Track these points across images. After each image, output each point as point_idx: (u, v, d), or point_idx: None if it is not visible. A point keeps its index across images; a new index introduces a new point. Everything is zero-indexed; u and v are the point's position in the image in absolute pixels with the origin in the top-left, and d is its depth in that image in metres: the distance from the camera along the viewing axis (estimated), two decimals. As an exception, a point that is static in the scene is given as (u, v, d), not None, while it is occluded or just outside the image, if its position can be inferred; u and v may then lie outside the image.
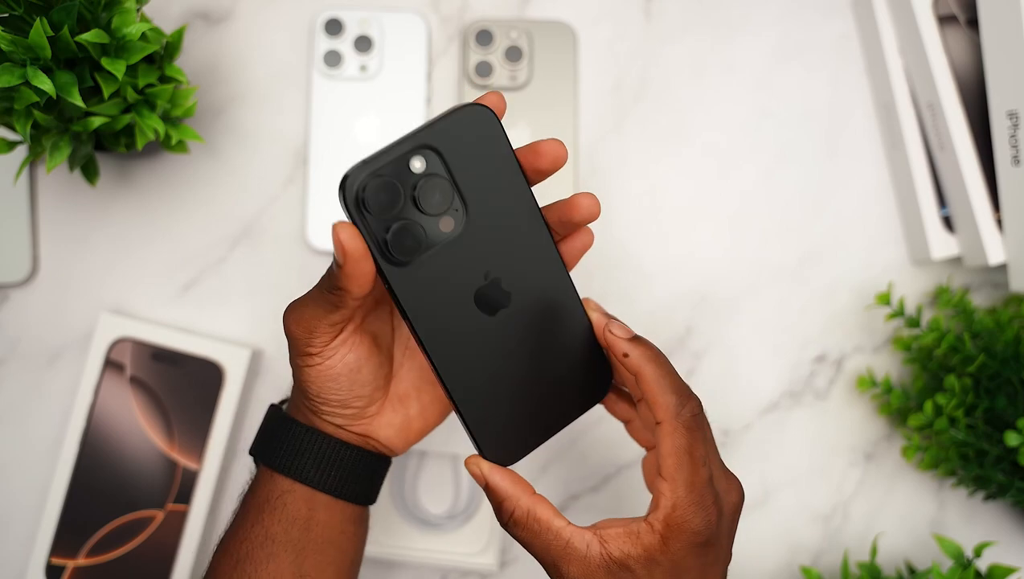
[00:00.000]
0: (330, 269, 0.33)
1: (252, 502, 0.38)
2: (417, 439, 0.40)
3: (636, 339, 0.35)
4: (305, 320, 0.35)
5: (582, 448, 0.55)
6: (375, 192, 0.30)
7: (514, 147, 0.32)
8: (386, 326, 0.39)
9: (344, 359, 0.36)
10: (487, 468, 0.36)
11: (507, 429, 0.36)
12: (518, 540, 0.36)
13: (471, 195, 0.32)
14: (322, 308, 0.34)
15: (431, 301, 0.33)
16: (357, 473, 0.39)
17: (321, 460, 0.38)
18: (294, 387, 0.39)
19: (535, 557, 0.35)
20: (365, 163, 0.30)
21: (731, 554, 0.37)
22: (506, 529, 0.36)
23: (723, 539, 0.35)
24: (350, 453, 0.38)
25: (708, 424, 0.35)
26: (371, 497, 0.40)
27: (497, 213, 0.32)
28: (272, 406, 0.41)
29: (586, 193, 0.34)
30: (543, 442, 0.37)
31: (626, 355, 0.35)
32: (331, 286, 0.33)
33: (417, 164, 0.31)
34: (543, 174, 0.33)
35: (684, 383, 0.35)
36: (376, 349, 0.38)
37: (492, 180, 0.32)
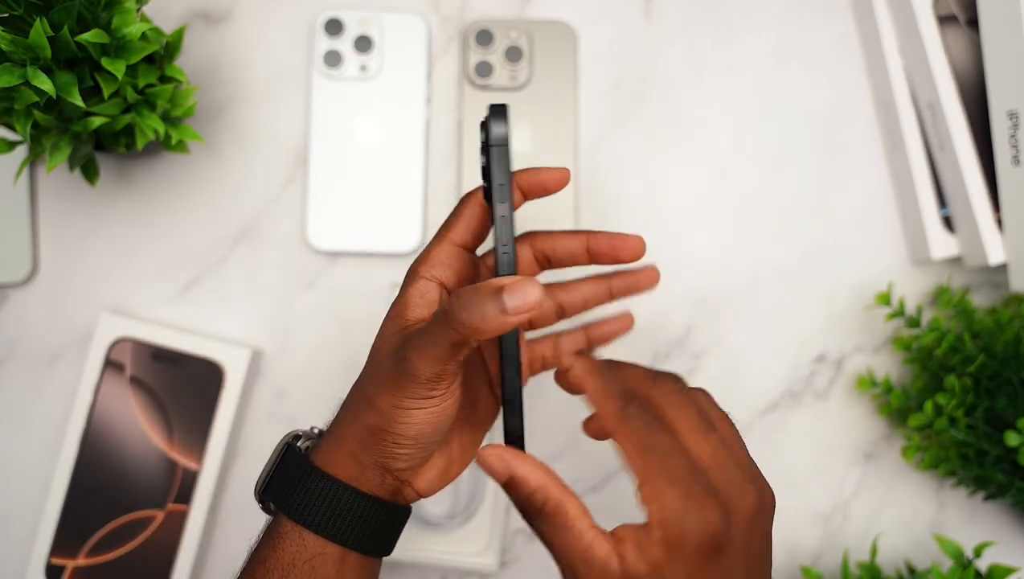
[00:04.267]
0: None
1: (274, 561, 0.34)
2: (451, 481, 0.38)
3: (582, 354, 0.35)
4: (437, 358, 0.31)
5: (583, 447, 0.55)
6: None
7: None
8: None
9: (457, 399, 0.34)
10: (511, 457, 0.32)
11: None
12: (540, 534, 0.32)
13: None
14: (452, 342, 0.31)
15: None
16: (389, 529, 0.36)
17: (359, 520, 0.35)
18: (348, 430, 0.35)
19: (552, 554, 0.33)
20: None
21: (767, 564, 0.33)
22: (531, 522, 0.33)
23: (737, 545, 0.31)
24: (387, 511, 0.36)
25: (684, 414, 0.32)
26: (391, 547, 0.38)
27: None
28: (290, 446, 0.37)
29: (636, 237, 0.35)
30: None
31: (568, 369, 0.34)
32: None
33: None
34: (546, 192, 0.35)
35: (632, 386, 0.33)
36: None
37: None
